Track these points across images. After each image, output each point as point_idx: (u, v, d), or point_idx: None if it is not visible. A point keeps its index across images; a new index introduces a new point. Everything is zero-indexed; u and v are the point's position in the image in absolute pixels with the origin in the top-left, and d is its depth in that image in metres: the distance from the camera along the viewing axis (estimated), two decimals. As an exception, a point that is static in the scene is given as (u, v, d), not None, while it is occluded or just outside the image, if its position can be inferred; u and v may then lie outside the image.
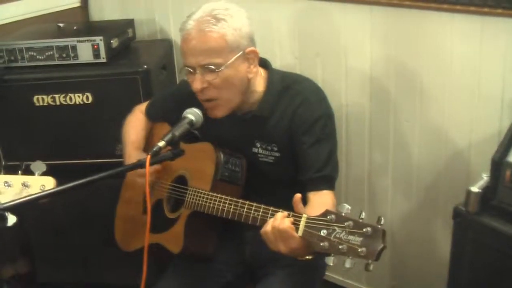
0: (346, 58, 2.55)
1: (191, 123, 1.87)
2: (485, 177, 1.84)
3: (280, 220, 1.66)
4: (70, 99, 2.68)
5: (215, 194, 1.93)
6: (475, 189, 1.82)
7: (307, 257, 1.68)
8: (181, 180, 2.12)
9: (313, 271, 2.10)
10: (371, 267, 1.49)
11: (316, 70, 2.64)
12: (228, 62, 1.86)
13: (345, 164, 2.72)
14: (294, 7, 2.64)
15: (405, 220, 2.64)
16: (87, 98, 2.67)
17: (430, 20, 2.27)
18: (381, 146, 2.60)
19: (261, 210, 1.78)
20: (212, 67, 1.85)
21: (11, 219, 1.53)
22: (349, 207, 1.55)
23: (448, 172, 2.41)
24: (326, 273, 2.36)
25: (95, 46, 2.67)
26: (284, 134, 1.99)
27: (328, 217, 1.56)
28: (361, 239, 1.49)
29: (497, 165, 1.79)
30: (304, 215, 1.63)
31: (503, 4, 2.06)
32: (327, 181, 1.94)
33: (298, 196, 1.69)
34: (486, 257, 1.82)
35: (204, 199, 1.96)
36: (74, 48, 2.68)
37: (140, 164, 1.78)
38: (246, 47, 1.90)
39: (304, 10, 2.61)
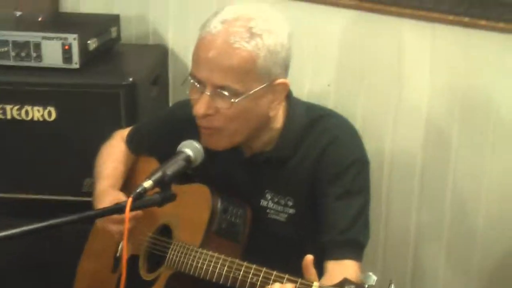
0: (398, 90, 2.65)
1: (188, 159, 1.91)
2: None
3: (280, 286, 1.71)
4: (27, 113, 2.77)
5: (205, 252, 1.99)
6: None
7: None
8: (165, 230, 2.19)
9: None
10: None
11: (355, 102, 2.74)
12: (250, 92, 1.92)
13: (384, 225, 2.78)
14: (334, 17, 2.75)
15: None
16: (50, 114, 2.77)
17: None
18: (435, 206, 2.66)
19: (261, 274, 1.82)
20: (226, 93, 1.90)
21: None
22: (375, 278, 1.60)
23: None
24: None
25: (66, 47, 2.75)
26: (305, 182, 2.06)
27: (347, 287, 1.62)
28: (386, 320, 1.55)
29: None
30: (316, 283, 1.68)
31: None
32: (353, 248, 1.99)
33: (309, 258, 1.72)
34: None
35: (191, 257, 2.02)
36: (37, 46, 2.77)
37: (118, 209, 1.81)
38: (277, 78, 1.96)
39: (347, 23, 2.73)
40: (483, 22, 2.39)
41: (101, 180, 2.32)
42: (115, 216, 2.01)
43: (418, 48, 2.59)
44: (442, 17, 2.48)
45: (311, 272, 1.73)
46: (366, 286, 1.60)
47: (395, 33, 2.63)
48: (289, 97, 2.11)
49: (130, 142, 2.40)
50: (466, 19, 2.42)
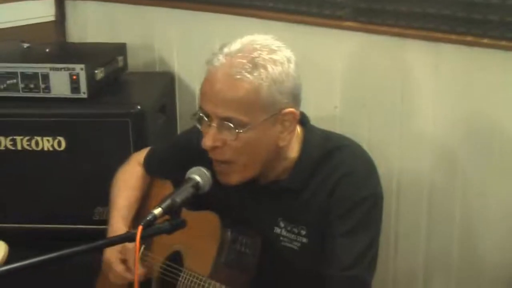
0: (403, 112, 2.67)
1: (196, 186, 1.92)
2: None
3: None
4: (37, 143, 2.79)
5: (213, 282, 2.00)
6: None
7: None
8: (178, 256, 2.19)
9: None
10: None
11: (361, 126, 2.75)
12: (256, 123, 1.92)
13: (393, 255, 2.78)
14: (338, 41, 2.78)
15: None
16: (59, 144, 2.79)
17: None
18: (443, 232, 2.66)
19: None
20: (232, 125, 1.90)
21: None
22: None
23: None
24: None
25: (74, 77, 2.78)
26: (318, 214, 2.04)
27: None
28: None
29: None
30: None
31: None
32: (356, 284, 1.98)
33: None
34: None
35: (200, 287, 2.03)
36: (45, 77, 2.80)
37: (129, 237, 1.83)
38: (284, 107, 1.94)
39: (351, 46, 2.75)
40: (485, 41, 2.42)
41: (115, 211, 2.33)
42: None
43: (422, 67, 2.61)
44: (445, 37, 2.51)
45: None
46: None
47: (399, 54, 2.66)
48: (305, 125, 2.11)
49: (146, 164, 2.40)
50: (469, 38, 2.46)
